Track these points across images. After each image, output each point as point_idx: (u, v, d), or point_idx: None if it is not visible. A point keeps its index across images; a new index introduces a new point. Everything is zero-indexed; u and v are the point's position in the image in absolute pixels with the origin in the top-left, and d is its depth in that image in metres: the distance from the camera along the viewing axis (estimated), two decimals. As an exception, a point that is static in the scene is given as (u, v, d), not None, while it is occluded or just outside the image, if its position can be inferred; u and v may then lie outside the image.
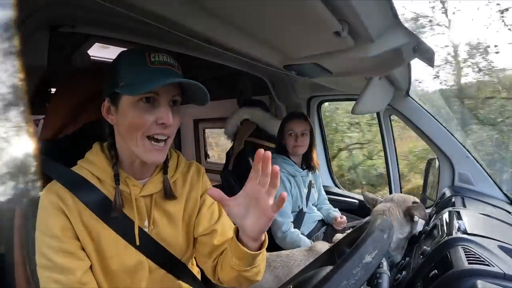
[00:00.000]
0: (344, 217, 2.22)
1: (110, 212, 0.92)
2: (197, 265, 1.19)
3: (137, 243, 0.95)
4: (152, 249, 0.98)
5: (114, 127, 0.94)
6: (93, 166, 0.94)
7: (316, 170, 2.36)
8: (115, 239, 0.93)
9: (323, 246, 1.62)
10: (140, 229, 0.96)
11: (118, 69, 0.88)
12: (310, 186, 2.28)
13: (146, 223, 0.98)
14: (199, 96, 0.92)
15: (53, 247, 0.87)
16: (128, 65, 0.88)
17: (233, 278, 0.97)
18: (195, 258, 1.16)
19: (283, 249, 1.93)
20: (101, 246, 0.92)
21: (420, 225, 1.49)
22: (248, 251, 0.85)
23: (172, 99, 0.89)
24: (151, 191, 0.98)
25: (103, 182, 0.94)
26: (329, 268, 0.74)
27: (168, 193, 1.00)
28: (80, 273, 0.88)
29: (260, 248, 0.88)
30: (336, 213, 2.32)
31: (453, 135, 1.94)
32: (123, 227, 0.94)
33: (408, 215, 1.51)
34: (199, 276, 1.17)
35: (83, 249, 0.91)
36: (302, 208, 2.20)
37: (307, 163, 2.26)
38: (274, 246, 2.04)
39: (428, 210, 1.60)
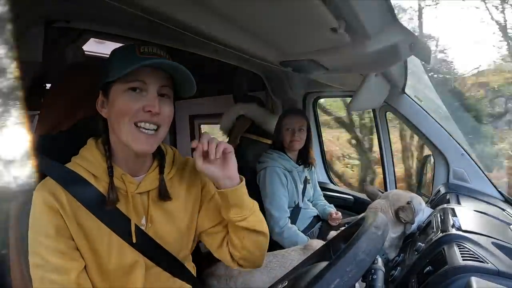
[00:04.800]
0: (339, 213, 2.23)
1: (106, 208, 0.90)
2: (193, 261, 1.19)
3: (134, 240, 0.93)
4: (149, 247, 0.97)
5: (108, 121, 0.94)
6: (87, 162, 0.93)
7: (312, 167, 2.37)
8: (111, 238, 0.92)
9: (318, 244, 1.59)
10: (137, 227, 0.94)
11: (110, 63, 0.89)
12: (306, 182, 2.29)
13: (143, 220, 0.96)
14: (187, 86, 0.92)
15: (47, 247, 0.85)
16: (118, 57, 0.89)
17: (243, 241, 1.00)
18: (191, 254, 1.16)
19: (279, 245, 1.94)
20: (96, 245, 0.90)
21: (417, 223, 1.48)
22: (234, 187, 0.95)
23: (161, 90, 0.89)
24: (147, 188, 0.97)
25: (98, 179, 0.92)
26: (324, 264, 0.74)
27: (163, 194, 0.98)
28: (75, 274, 0.87)
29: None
30: (331, 209, 2.33)
31: (448, 132, 1.95)
32: (119, 224, 0.92)
33: (397, 215, 1.47)
34: (194, 273, 1.17)
35: (77, 249, 0.89)
36: (298, 203, 2.21)
37: (303, 159, 2.27)
38: (270, 244, 2.02)
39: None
